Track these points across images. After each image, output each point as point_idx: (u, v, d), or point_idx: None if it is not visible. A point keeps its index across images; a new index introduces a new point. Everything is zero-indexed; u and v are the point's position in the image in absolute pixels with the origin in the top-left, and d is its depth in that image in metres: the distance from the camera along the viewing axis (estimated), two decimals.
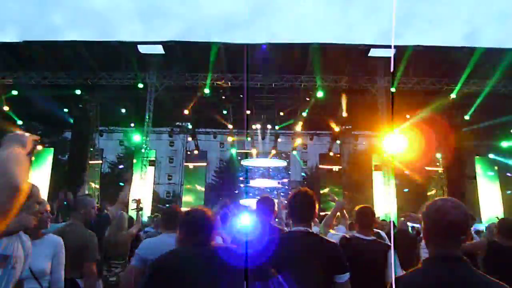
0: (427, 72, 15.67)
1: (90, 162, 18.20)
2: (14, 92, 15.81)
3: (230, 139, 21.35)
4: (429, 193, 20.30)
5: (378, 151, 18.50)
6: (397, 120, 17.59)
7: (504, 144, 19.04)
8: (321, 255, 2.18)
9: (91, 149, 18.25)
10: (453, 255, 1.45)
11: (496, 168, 19.62)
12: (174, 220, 2.98)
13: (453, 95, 15.67)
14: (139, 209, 5.37)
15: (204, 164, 20.97)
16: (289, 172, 22.04)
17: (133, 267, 2.65)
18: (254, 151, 21.66)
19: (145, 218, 11.34)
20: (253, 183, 21.48)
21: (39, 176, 18.29)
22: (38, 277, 2.32)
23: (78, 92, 16.17)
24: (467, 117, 17.59)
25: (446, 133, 17.78)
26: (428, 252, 1.54)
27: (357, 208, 3.32)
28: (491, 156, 19.92)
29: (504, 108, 15.87)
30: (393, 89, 15.65)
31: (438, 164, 18.76)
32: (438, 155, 18.38)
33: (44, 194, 17.02)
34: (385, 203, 15.54)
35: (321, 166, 20.77)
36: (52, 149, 18.85)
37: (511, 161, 19.20)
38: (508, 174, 19.52)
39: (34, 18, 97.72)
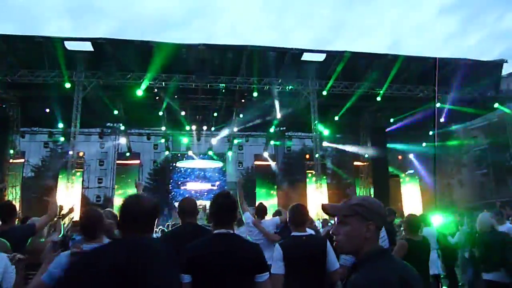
0: (357, 77, 16.57)
1: (10, 165, 16.83)
2: None
3: (163, 140, 20.96)
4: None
5: (310, 151, 19.23)
6: (328, 121, 18.53)
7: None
8: (241, 256, 2.25)
9: (11, 151, 16.86)
10: None
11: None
12: (94, 227, 2.67)
13: (378, 98, 16.71)
14: (60, 216, 5.03)
15: (137, 162, 20.29)
16: (225, 174, 22.08)
17: (41, 282, 2.20)
18: (189, 153, 21.43)
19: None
20: (188, 185, 21.22)
21: None
22: None
23: None
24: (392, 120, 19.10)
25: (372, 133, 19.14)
26: None
27: (290, 206, 3.37)
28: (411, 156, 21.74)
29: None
30: (324, 92, 16.35)
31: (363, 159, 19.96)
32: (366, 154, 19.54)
33: None
34: (317, 201, 16.15)
35: (256, 166, 21.14)
36: None
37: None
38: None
39: None
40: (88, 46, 14.37)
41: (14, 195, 16.70)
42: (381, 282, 1.32)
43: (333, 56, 15.85)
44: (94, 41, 14.23)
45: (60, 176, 16.99)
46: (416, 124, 17.89)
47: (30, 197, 17.72)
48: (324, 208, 1.65)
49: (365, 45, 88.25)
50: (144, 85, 15.39)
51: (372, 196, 15.30)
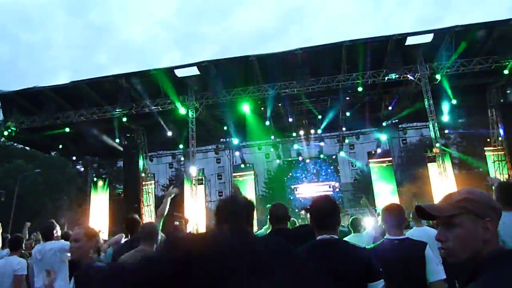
0: (474, 51, 14.77)
1: (144, 187, 18.90)
2: (67, 129, 16.85)
3: (272, 149, 21.36)
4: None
5: (430, 141, 17.60)
6: (445, 107, 16.82)
7: None
8: (349, 262, 2.05)
9: (143, 174, 18.95)
10: None
11: None
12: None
13: (506, 72, 14.62)
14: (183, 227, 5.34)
15: (252, 173, 20.96)
16: (339, 175, 21.56)
17: None
18: (300, 158, 21.49)
19: None
20: (302, 189, 21.22)
21: (99, 207, 19.34)
22: None
23: (124, 121, 16.87)
24: None
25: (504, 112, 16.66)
26: None
27: (384, 207, 3.04)
28: None
29: None
30: (438, 76, 14.93)
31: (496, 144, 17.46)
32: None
33: (105, 223, 17.87)
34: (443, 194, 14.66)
35: (371, 165, 20.07)
36: (106, 180, 19.88)
37: None
38: None
39: (82, 60, 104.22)
40: (194, 71, 15.49)
41: (150, 213, 18.68)
42: None
43: (442, 35, 14.38)
44: (199, 65, 15.27)
45: (185, 192, 18.54)
46: None
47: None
48: (420, 210, 1.32)
49: (480, 15, 78.47)
50: (247, 98, 15.97)
51: None
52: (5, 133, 16.88)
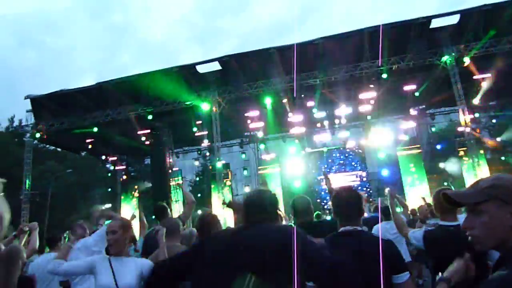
0: (501, 31, 14.15)
1: (171, 183, 19.19)
2: (95, 129, 17.27)
3: (297, 141, 21.15)
4: None
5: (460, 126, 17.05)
6: (475, 89, 16.23)
7: None
8: (373, 254, 1.97)
9: (170, 171, 19.22)
10: None
11: None
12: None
13: None
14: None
15: (277, 166, 20.88)
16: (366, 164, 21.20)
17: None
18: (325, 149, 21.26)
19: None
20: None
21: (129, 204, 19.80)
22: None
23: (149, 119, 17.12)
24: None
25: None
26: None
27: (436, 191, 2.95)
28: None
29: None
30: (467, 59, 14.42)
31: None
32: None
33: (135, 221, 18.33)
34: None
35: (399, 153, 19.59)
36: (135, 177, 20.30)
37: None
38: None
39: (105, 62, 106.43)
40: (216, 66, 15.54)
41: (179, 209, 18.95)
42: None
43: (469, 15, 13.84)
44: (220, 60, 15.30)
45: (212, 186, 18.71)
46: None
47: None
48: (446, 196, 1.29)
49: None
50: (269, 91, 15.89)
51: None
52: (37, 135, 17.46)
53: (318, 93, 17.03)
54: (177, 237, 3.48)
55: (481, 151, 16.26)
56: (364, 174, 20.93)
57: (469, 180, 15.58)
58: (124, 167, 21.99)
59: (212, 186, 18.63)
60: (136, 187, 20.85)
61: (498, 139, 19.36)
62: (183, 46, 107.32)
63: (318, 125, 19.78)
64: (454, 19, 13.98)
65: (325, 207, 18.95)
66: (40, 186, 21.11)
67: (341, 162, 21.55)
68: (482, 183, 1.25)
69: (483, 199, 1.20)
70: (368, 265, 1.94)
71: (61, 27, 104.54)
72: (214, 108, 16.49)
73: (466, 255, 1.59)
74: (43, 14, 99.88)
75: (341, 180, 20.76)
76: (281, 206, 2.06)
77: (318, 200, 19.95)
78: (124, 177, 20.88)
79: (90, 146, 19.07)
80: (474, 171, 14.74)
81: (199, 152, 22.65)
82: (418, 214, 8.28)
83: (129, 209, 19.78)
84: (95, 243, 3.52)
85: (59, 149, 25.15)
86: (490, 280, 1.10)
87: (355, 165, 21.25)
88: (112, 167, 22.27)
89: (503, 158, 19.56)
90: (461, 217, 3.02)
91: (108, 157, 21.63)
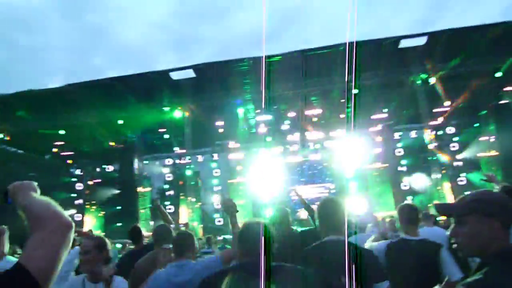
0: (469, 53, 14.87)
1: (140, 191, 18.83)
2: (62, 132, 16.73)
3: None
4: None
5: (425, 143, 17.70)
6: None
7: None
8: (357, 264, 2.03)
9: (137, 178, 18.88)
10: None
11: None
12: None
13: (498, 74, 14.76)
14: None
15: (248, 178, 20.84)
16: (334, 177, 21.52)
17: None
18: (294, 161, 21.48)
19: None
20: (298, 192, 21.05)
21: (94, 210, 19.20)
22: None
23: (120, 124, 16.80)
24: None
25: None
26: None
27: (400, 206, 3.10)
28: None
29: None
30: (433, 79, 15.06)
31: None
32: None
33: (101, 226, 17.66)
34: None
35: (365, 167, 20.09)
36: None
37: None
38: None
39: (78, 63, 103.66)
40: (190, 73, 15.49)
41: (146, 217, 18.60)
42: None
43: (436, 37, 14.49)
44: (195, 67, 15.27)
45: (181, 194, 18.49)
46: None
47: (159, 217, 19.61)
48: (436, 207, 1.52)
49: (475, 17, 78.32)
50: (244, 101, 15.97)
51: None
52: (0, 135, 16.77)
53: (290, 106, 17.28)
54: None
55: (443, 169, 16.99)
56: (332, 186, 21.20)
57: (433, 196, 16.18)
58: (90, 172, 21.34)
59: (181, 194, 18.41)
60: (102, 193, 20.28)
61: (459, 156, 20.27)
62: (159, 51, 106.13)
63: (288, 138, 19.93)
64: (422, 41, 14.62)
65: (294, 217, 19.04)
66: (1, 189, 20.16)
67: (310, 174, 21.76)
68: (468, 197, 1.41)
69: (467, 212, 1.37)
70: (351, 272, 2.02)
71: (32, 25, 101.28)
72: (186, 115, 16.39)
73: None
74: (12, 10, 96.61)
75: (309, 192, 20.98)
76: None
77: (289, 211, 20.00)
78: (90, 182, 20.26)
79: (55, 150, 18.43)
80: (435, 187, 15.33)
81: (168, 160, 22.27)
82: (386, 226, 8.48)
83: (94, 214, 19.22)
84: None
85: (22, 151, 24.14)
86: (466, 284, 1.23)
87: (324, 178, 21.52)
88: (77, 172, 21.56)
89: (464, 174, 20.38)
90: (422, 231, 3.19)
91: (74, 162, 20.97)
